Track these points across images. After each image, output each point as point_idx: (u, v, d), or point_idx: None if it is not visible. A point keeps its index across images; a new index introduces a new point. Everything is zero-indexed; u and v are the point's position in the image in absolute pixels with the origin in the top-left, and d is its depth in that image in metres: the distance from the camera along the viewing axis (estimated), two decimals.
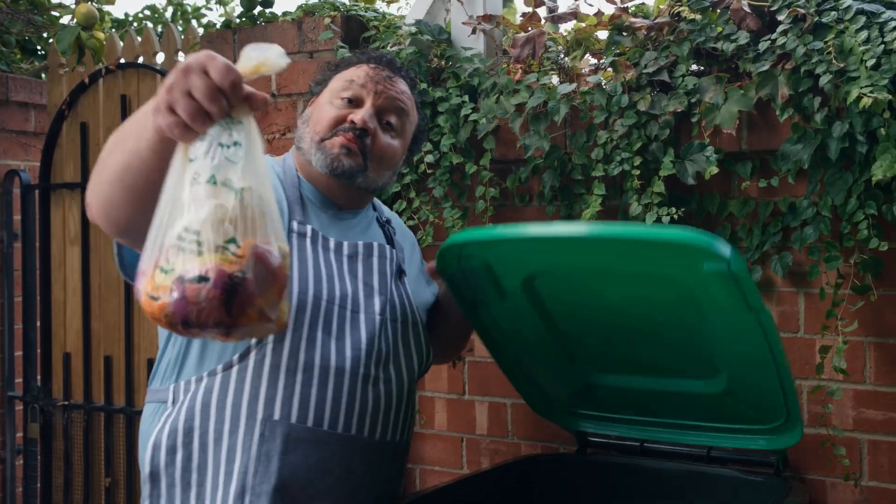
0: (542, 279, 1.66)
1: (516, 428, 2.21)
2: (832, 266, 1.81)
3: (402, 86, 1.69)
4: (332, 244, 1.62)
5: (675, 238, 1.47)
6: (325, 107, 1.66)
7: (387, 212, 1.90)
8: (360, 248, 1.65)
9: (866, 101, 1.62)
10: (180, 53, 3.15)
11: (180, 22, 6.82)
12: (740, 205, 1.95)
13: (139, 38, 3.23)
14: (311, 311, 1.54)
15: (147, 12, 6.98)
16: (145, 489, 1.54)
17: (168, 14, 7.09)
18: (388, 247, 1.70)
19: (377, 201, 1.91)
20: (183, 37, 3.16)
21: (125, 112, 3.19)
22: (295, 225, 1.58)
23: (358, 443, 1.58)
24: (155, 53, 3.20)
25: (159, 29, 6.22)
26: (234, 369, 1.53)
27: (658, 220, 1.91)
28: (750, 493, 1.78)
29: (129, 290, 3.20)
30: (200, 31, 2.92)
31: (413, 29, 2.25)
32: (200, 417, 1.52)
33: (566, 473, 2.00)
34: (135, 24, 6.63)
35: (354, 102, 1.65)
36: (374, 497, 1.62)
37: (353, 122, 1.62)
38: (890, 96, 1.63)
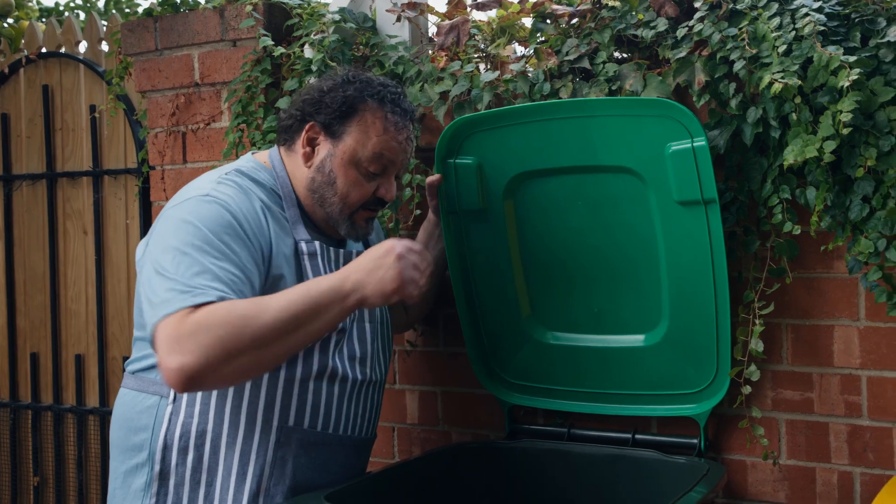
0: (521, 190, 1.90)
1: (447, 417, 2.21)
2: (749, 250, 1.84)
3: (411, 131, 1.78)
4: (332, 254, 1.73)
5: (650, 99, 1.80)
6: (354, 177, 1.71)
7: None
8: (354, 256, 1.76)
9: (777, 87, 1.65)
10: (103, 43, 3.08)
11: (113, 11, 6.65)
12: None
13: (60, 27, 3.15)
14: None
15: (78, 1, 6.79)
16: (153, 486, 1.63)
17: (101, 4, 6.91)
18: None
19: None
20: (106, 26, 3.08)
21: (47, 102, 3.12)
22: (304, 246, 1.68)
23: (355, 441, 1.78)
24: (77, 42, 3.12)
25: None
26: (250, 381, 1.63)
27: None
28: (673, 473, 1.81)
29: (54, 286, 3.12)
30: None
31: (337, 17, 2.23)
32: (214, 422, 1.63)
33: (496, 460, 2.01)
34: (66, 13, 6.45)
35: (380, 174, 1.74)
36: None
37: (383, 199, 1.76)
38: (800, 82, 1.65)
